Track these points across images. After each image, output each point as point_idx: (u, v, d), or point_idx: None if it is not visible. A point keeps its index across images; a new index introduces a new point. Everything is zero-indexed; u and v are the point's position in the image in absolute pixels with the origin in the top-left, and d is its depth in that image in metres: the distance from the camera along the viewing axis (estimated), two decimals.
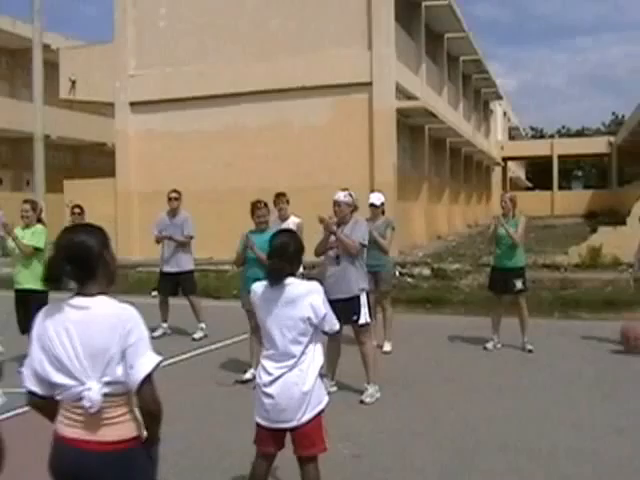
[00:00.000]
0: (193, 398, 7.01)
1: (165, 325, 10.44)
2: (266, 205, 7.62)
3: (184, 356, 8.97)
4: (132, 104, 21.21)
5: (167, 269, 10.36)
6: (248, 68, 19.31)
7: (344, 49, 18.44)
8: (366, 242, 6.77)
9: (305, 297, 3.77)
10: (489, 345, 8.95)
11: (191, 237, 10.25)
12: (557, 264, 15.83)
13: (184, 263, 10.27)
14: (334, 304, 6.77)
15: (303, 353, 3.76)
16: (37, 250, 8.24)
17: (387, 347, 8.98)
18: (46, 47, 27.03)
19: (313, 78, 18.61)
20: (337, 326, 4.03)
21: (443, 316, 11.92)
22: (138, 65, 21.08)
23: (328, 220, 6.62)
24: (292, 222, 8.98)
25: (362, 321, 6.68)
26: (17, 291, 8.39)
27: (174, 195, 10.28)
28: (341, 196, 6.78)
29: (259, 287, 3.89)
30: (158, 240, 10.32)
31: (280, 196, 9.23)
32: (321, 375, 3.92)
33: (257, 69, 19.20)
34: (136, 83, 20.94)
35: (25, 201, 8.64)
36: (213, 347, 9.45)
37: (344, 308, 6.45)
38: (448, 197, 28.07)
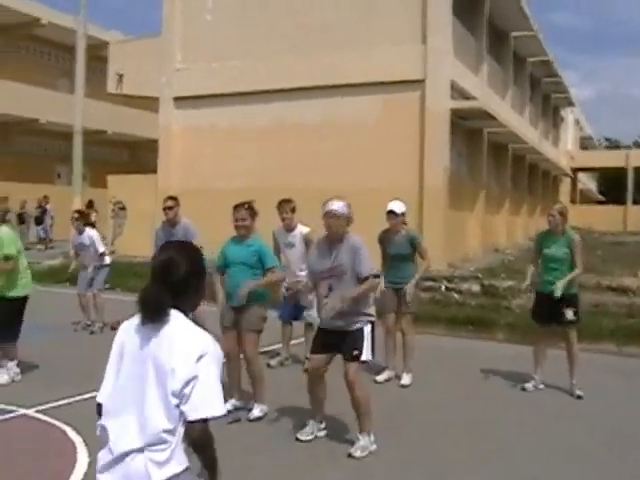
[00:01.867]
0: None
1: None
2: (249, 207, 6.37)
3: None
4: (176, 99, 20.48)
5: None
6: (294, 63, 18.19)
7: (395, 44, 17.09)
8: (374, 271, 5.51)
9: (183, 344, 2.46)
10: (528, 386, 7.49)
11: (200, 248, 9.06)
12: (625, 287, 14.02)
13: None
14: (329, 335, 5.63)
15: (167, 436, 2.44)
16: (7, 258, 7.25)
17: (405, 380, 7.65)
18: (102, 42, 26.80)
19: (362, 74, 17.32)
20: (215, 409, 2.45)
21: (485, 342, 10.49)
22: (184, 59, 20.29)
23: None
24: (299, 233, 7.80)
25: (364, 357, 5.41)
26: None
27: (169, 204, 8.94)
28: (336, 206, 5.42)
29: (128, 325, 2.64)
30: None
31: (284, 203, 8.03)
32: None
33: (303, 64, 18.06)
34: (181, 78, 20.16)
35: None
36: None
37: (343, 340, 5.29)
38: (509, 207, 26.33)
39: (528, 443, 5.85)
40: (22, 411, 6.29)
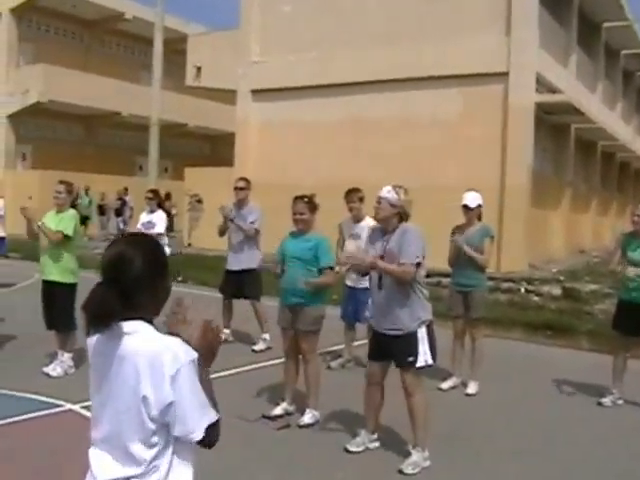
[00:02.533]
0: None
1: (227, 331, 9.13)
2: (309, 200, 5.99)
3: (227, 372, 7.52)
4: (253, 92, 20.37)
5: (230, 267, 9.03)
6: (373, 56, 17.72)
7: (478, 34, 16.39)
8: (422, 260, 5.00)
9: (149, 366, 2.02)
10: (606, 400, 6.81)
11: (256, 230, 8.81)
12: None
13: (249, 260, 8.83)
14: (381, 338, 5.22)
15: (153, 462, 2.05)
16: (66, 238, 7.14)
17: (472, 388, 7.10)
18: (183, 35, 26.96)
19: (441, 67, 16.70)
20: (196, 433, 2.05)
21: (563, 349, 9.79)
22: (261, 52, 20.14)
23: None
24: (367, 225, 7.37)
25: (421, 363, 4.94)
26: (43, 282, 7.36)
27: (241, 184, 8.92)
28: (384, 191, 5.06)
29: (89, 341, 2.20)
30: (222, 231, 9.02)
31: (352, 192, 7.68)
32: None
33: (383, 57, 17.56)
34: (258, 70, 20.00)
35: (60, 182, 7.57)
36: (268, 364, 7.88)
37: (395, 345, 4.84)
38: (596, 207, 25.13)
39: (605, 466, 5.26)
40: (68, 406, 6.09)
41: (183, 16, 32.33)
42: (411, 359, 4.91)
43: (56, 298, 7.17)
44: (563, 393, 7.30)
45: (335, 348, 8.45)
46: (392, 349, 4.98)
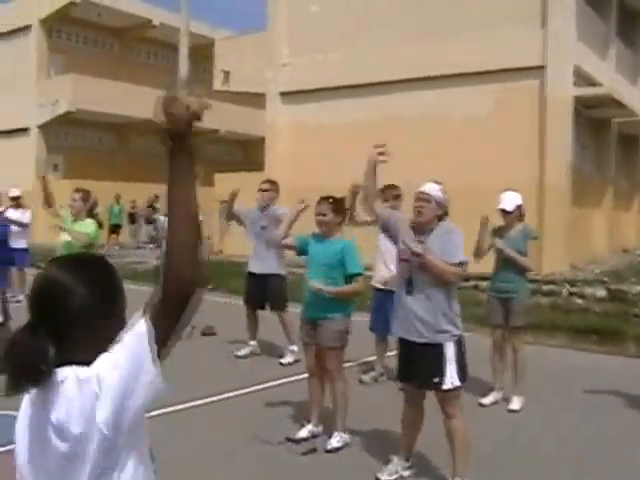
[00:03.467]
0: (216, 456, 5.06)
1: (253, 343, 8.72)
2: (333, 201, 5.51)
3: (252, 388, 7.09)
4: (283, 94, 20.02)
5: (251, 269, 8.58)
6: (404, 54, 17.20)
7: (512, 28, 15.74)
8: (467, 260, 4.51)
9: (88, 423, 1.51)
10: None
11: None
12: None
13: (274, 265, 8.36)
14: (407, 351, 4.49)
15: None
16: (87, 245, 6.88)
17: (515, 404, 6.54)
18: (211, 41, 26.75)
19: (475, 62, 16.09)
20: None
21: (611, 356, 9.16)
22: (290, 53, 19.78)
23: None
24: None
25: (446, 386, 4.39)
26: None
27: (265, 186, 8.54)
28: (430, 188, 4.56)
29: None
30: (229, 216, 8.91)
31: (387, 189, 7.20)
32: None
33: (413, 54, 17.03)
34: (287, 72, 19.65)
35: (76, 190, 7.34)
36: (295, 379, 7.31)
37: (420, 361, 4.33)
38: None
39: None
40: None
41: (211, 22, 32.23)
42: (436, 380, 4.40)
43: None
44: (615, 406, 6.70)
45: (367, 360, 7.97)
46: (417, 364, 4.47)
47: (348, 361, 7.50)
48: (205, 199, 23.89)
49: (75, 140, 29.70)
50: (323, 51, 18.69)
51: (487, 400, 6.66)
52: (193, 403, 6.49)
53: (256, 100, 24.54)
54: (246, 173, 22.09)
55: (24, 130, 27.96)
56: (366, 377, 7.51)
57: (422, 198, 4.53)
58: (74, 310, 1.59)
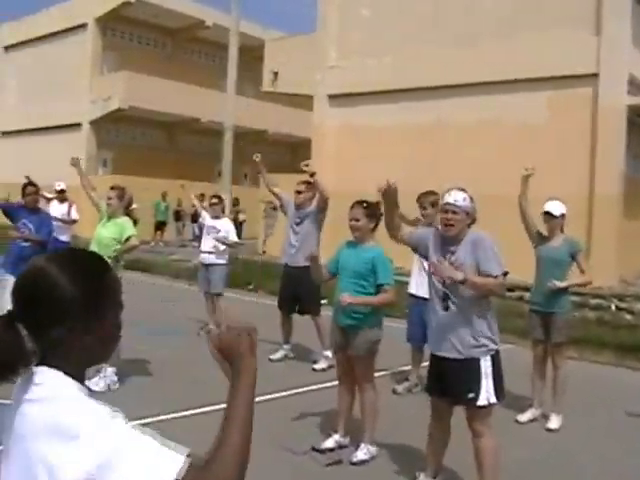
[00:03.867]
0: None
1: (287, 346, 8.62)
2: (367, 206, 5.36)
3: (283, 393, 6.98)
4: (331, 97, 19.95)
5: (287, 260, 8.51)
6: (454, 58, 16.97)
7: (565, 33, 15.37)
8: (506, 269, 4.30)
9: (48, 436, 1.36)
10: None
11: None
12: None
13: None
14: (440, 366, 4.31)
15: None
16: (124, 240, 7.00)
17: (554, 423, 6.28)
18: (263, 42, 26.82)
19: (526, 69, 15.77)
20: None
21: None
22: (339, 56, 19.71)
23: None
24: None
25: (482, 402, 4.22)
26: None
27: (300, 188, 8.42)
28: (456, 198, 4.34)
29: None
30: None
31: (424, 196, 7.01)
32: None
33: (464, 59, 16.79)
34: (336, 75, 19.58)
35: (111, 187, 7.35)
36: (328, 385, 7.12)
37: (454, 375, 4.16)
38: None
39: None
40: None
41: (263, 23, 32.31)
42: (471, 395, 4.21)
43: None
44: None
45: (402, 369, 7.79)
46: (450, 380, 4.31)
47: (382, 370, 7.36)
48: (251, 200, 24.00)
49: (125, 137, 30.10)
50: (372, 54, 18.57)
51: (524, 417, 6.43)
52: (219, 406, 6.40)
53: (305, 102, 24.55)
54: (292, 175, 22.02)
55: (76, 125, 28.43)
56: (400, 387, 7.34)
57: (450, 210, 4.30)
58: (56, 305, 1.45)
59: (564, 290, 6.39)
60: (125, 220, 7.20)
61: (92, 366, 1.58)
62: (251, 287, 14.90)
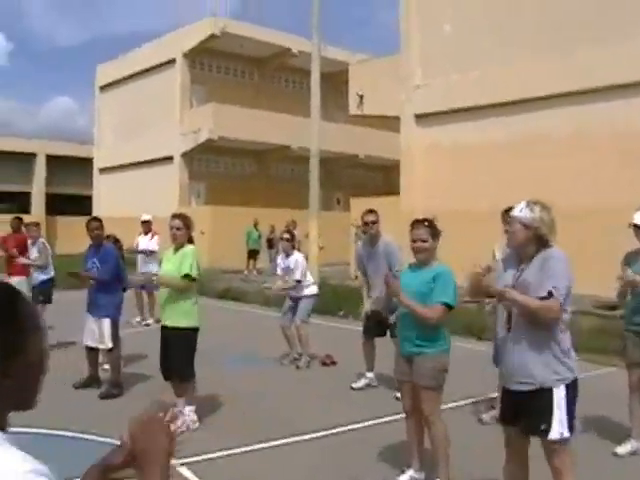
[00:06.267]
0: None
1: (370, 375, 8.28)
2: (430, 224, 4.99)
3: (366, 423, 6.62)
4: (417, 116, 19.60)
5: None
6: (542, 69, 16.30)
7: None
8: (561, 287, 3.76)
9: None
10: None
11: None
12: None
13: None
14: (511, 397, 3.85)
15: None
16: (189, 279, 6.53)
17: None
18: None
19: (618, 75, 14.97)
20: None
21: None
22: (424, 75, 19.37)
23: None
24: None
25: (554, 436, 3.77)
26: (162, 328, 6.74)
27: (372, 218, 7.95)
28: (516, 210, 3.98)
29: None
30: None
31: (509, 212, 6.54)
32: None
33: (552, 69, 16.10)
34: (421, 94, 19.26)
35: (174, 215, 6.84)
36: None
37: (526, 405, 3.75)
38: None
39: None
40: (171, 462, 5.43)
41: (350, 48, 32.29)
42: (543, 427, 3.77)
43: (174, 345, 6.51)
44: None
45: (490, 396, 7.29)
46: (523, 410, 3.87)
47: (468, 397, 6.93)
48: (343, 225, 23.79)
49: (217, 167, 30.65)
50: (458, 70, 18.18)
51: (623, 449, 5.81)
52: (295, 438, 6.14)
53: (395, 124, 24.33)
54: (382, 198, 21.80)
55: (169, 159, 29.13)
56: (487, 416, 6.85)
57: (508, 222, 4.07)
58: None
59: None
60: (191, 249, 6.65)
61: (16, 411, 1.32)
62: (342, 313, 14.62)
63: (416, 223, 4.98)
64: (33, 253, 10.24)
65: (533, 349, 3.82)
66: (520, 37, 16.87)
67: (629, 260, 5.88)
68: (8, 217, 11.50)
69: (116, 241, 9.02)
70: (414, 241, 4.93)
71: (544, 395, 3.79)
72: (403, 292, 4.86)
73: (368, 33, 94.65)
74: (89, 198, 36.91)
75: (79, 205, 41.56)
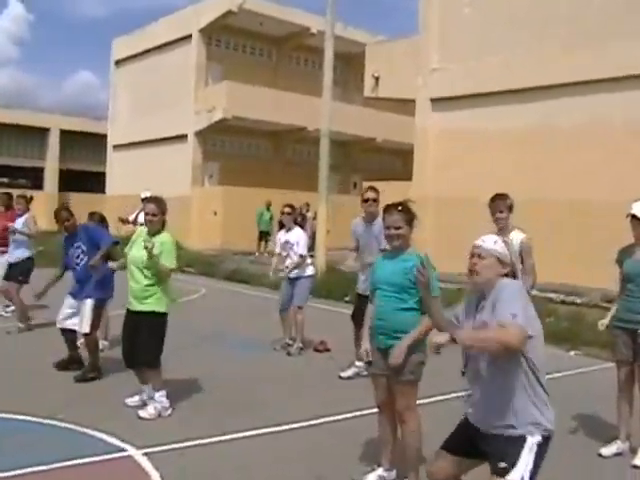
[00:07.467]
0: None
1: (359, 364, 8.08)
2: (403, 209, 4.68)
3: (342, 416, 6.43)
4: (433, 101, 19.23)
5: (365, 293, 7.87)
6: (564, 56, 15.84)
7: None
8: (532, 332, 3.22)
9: None
10: None
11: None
12: None
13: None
14: (473, 431, 3.42)
15: None
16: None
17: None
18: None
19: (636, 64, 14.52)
20: None
21: None
22: (441, 58, 18.95)
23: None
24: (516, 239, 6.05)
25: (513, 478, 3.25)
26: (128, 313, 6.41)
27: (372, 195, 7.78)
28: (485, 241, 3.52)
29: None
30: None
31: (499, 199, 6.35)
32: None
33: (574, 56, 15.62)
34: (438, 78, 18.87)
35: (149, 199, 6.53)
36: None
37: (491, 444, 3.38)
38: None
39: None
40: (132, 451, 5.25)
41: (371, 30, 31.84)
42: (502, 465, 3.28)
43: (145, 330, 6.24)
44: None
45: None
46: (485, 445, 3.44)
47: (452, 392, 6.72)
48: (357, 208, 23.58)
49: (231, 147, 30.40)
50: (476, 55, 17.75)
51: (608, 450, 5.56)
52: (264, 430, 5.94)
53: (413, 108, 23.99)
54: (393, 182, 21.47)
55: (182, 137, 28.91)
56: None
57: (477, 254, 3.47)
58: None
59: None
60: (169, 239, 6.32)
61: None
62: (348, 299, 14.40)
63: (389, 208, 4.67)
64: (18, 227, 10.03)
65: (502, 394, 3.34)
66: (541, 25, 16.42)
67: (623, 256, 5.61)
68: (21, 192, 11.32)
69: (102, 219, 8.81)
70: (387, 228, 4.65)
71: (513, 442, 3.31)
72: (378, 284, 4.62)
73: (395, 18, 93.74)
74: (102, 175, 36.82)
75: (92, 182, 41.62)
